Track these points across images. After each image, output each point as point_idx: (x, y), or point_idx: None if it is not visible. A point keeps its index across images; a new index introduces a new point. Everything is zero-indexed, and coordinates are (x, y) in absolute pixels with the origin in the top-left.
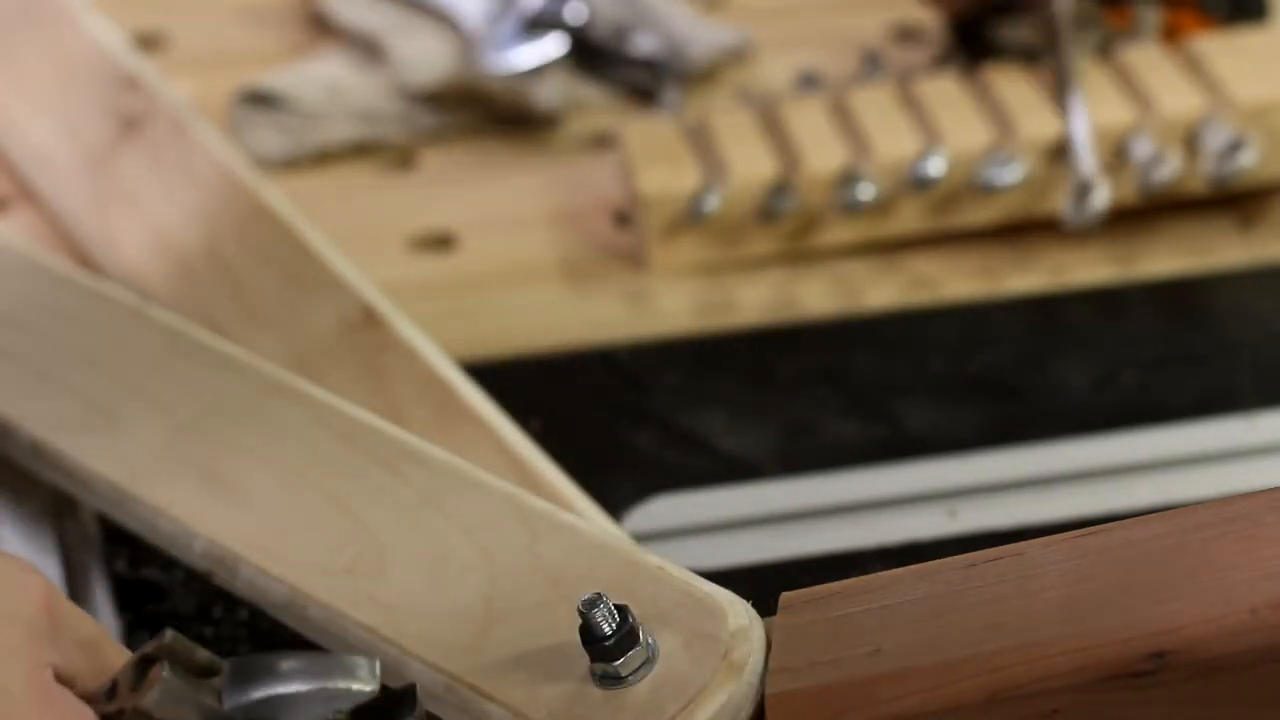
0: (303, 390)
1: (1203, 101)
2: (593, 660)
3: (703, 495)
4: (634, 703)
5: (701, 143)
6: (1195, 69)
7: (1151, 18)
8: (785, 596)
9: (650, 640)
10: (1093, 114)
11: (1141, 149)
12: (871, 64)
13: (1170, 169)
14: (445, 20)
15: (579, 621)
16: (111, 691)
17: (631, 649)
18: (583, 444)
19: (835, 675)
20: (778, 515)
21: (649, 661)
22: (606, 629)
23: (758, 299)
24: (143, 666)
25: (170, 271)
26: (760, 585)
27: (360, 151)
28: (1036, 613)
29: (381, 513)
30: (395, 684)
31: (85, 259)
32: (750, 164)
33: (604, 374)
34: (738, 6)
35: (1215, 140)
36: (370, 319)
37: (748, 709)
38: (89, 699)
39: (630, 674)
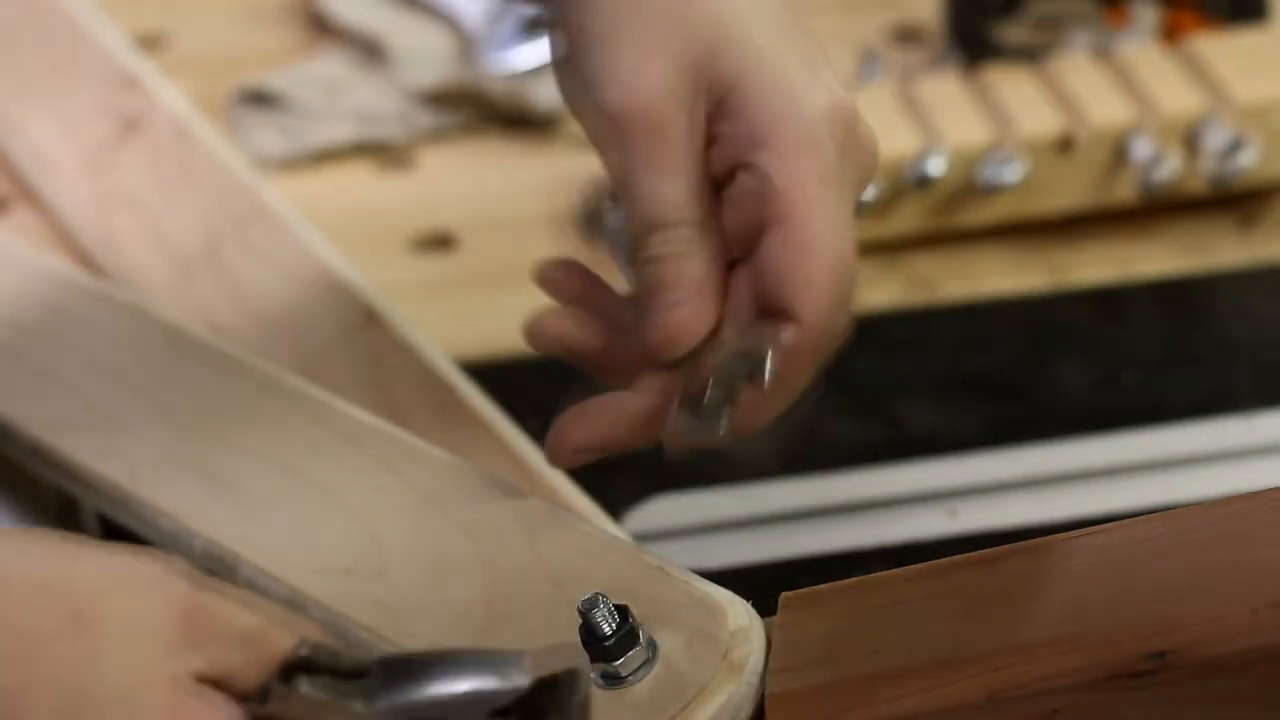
0: (303, 390)
1: (1202, 101)
2: (593, 660)
3: (703, 495)
4: (634, 703)
5: None
6: (1195, 69)
7: (1151, 17)
8: (785, 596)
9: (650, 640)
10: (1093, 114)
11: (1141, 149)
12: (871, 64)
13: (1170, 169)
14: (445, 20)
15: (579, 622)
16: (265, 695)
17: (631, 649)
18: None
19: (835, 675)
20: (778, 515)
21: (649, 661)
22: (606, 629)
23: None
24: (288, 673)
25: (170, 271)
26: (760, 585)
27: (360, 151)
28: (1036, 613)
29: (381, 513)
30: (556, 668)
31: (85, 259)
32: None
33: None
34: None
35: (1215, 140)
36: (370, 319)
37: (748, 709)
38: (249, 694)
39: (630, 674)
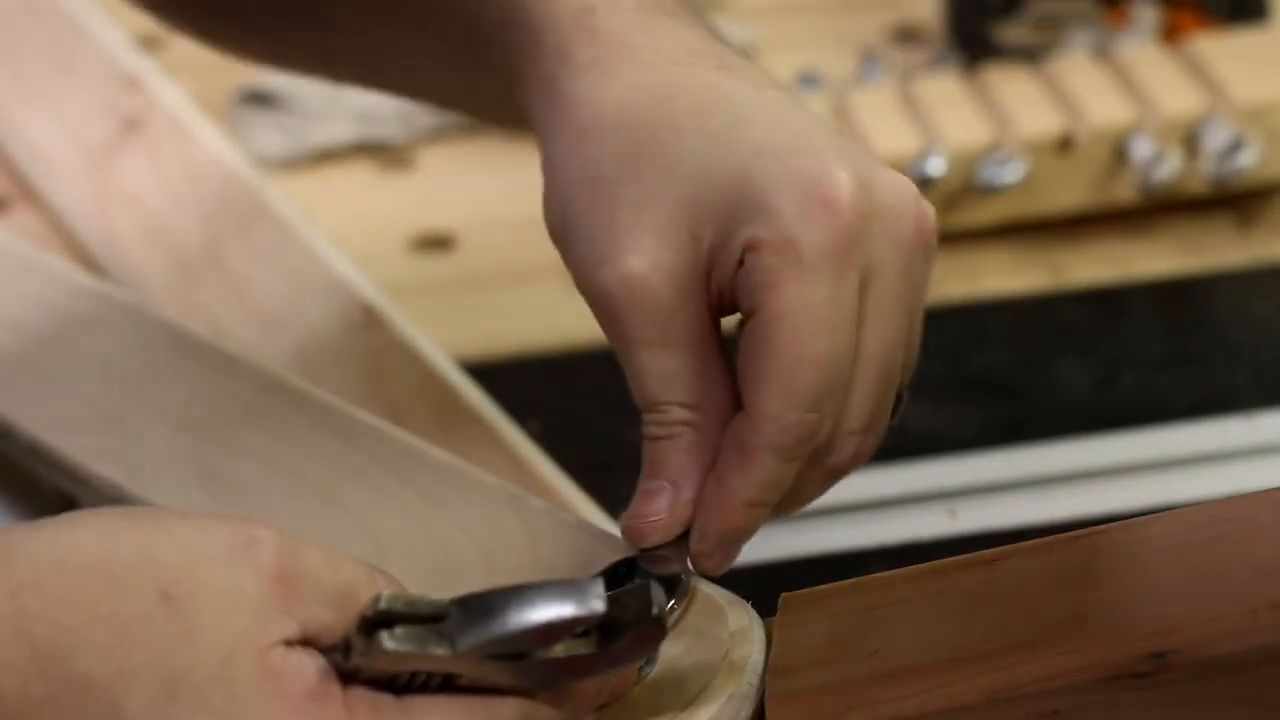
0: (303, 390)
1: (1202, 101)
2: None
3: None
4: (634, 702)
5: None
6: (1195, 69)
7: (1151, 17)
8: (785, 597)
9: None
10: (1093, 114)
11: (1141, 149)
12: (871, 64)
13: (1170, 169)
14: None
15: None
16: (347, 650)
17: None
18: (583, 444)
19: (835, 675)
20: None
21: (649, 661)
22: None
23: None
24: (368, 628)
25: (170, 271)
26: (760, 585)
27: (360, 151)
28: (1036, 613)
29: (381, 513)
30: (630, 593)
31: (85, 259)
32: None
33: (604, 374)
34: (738, 6)
35: (1215, 140)
36: (370, 319)
37: (748, 709)
38: (338, 648)
39: None
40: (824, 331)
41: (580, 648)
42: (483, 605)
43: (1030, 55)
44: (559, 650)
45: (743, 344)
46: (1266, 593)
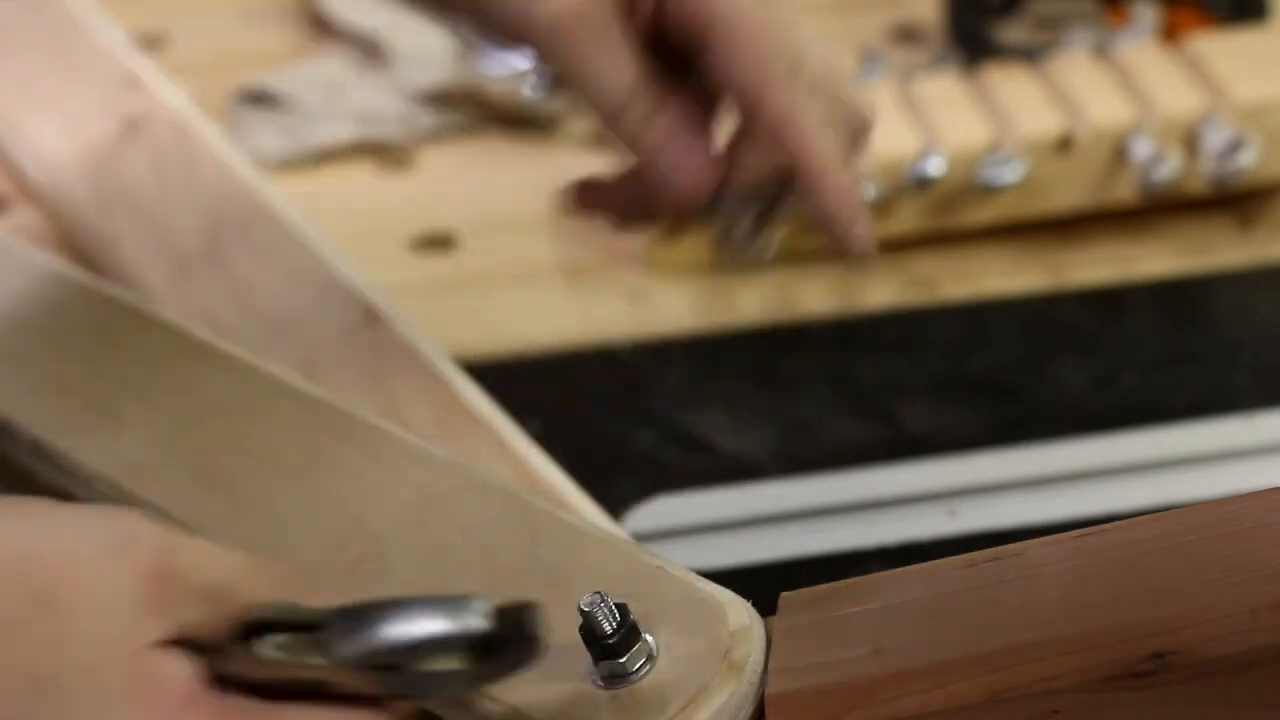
0: (303, 390)
1: (1202, 101)
2: (593, 660)
3: (703, 495)
4: (634, 702)
5: None
6: (1195, 68)
7: (1151, 17)
8: (785, 596)
9: (650, 640)
10: (1093, 114)
11: (1141, 149)
12: (871, 64)
13: (1170, 169)
14: None
15: (579, 621)
16: (224, 652)
17: (632, 648)
18: (583, 444)
19: (835, 675)
20: (778, 515)
21: (649, 661)
22: (607, 628)
23: (757, 299)
24: (246, 634)
25: (170, 271)
26: (760, 585)
27: (360, 151)
28: (1036, 613)
29: (381, 513)
30: (510, 611)
31: (85, 259)
32: None
33: (604, 374)
34: None
35: (1215, 140)
36: (371, 319)
37: (748, 709)
38: (215, 648)
39: (631, 673)
40: (762, 9)
41: (455, 663)
42: (362, 616)
43: (1030, 55)
44: (435, 664)
45: (709, 62)
46: (1266, 593)
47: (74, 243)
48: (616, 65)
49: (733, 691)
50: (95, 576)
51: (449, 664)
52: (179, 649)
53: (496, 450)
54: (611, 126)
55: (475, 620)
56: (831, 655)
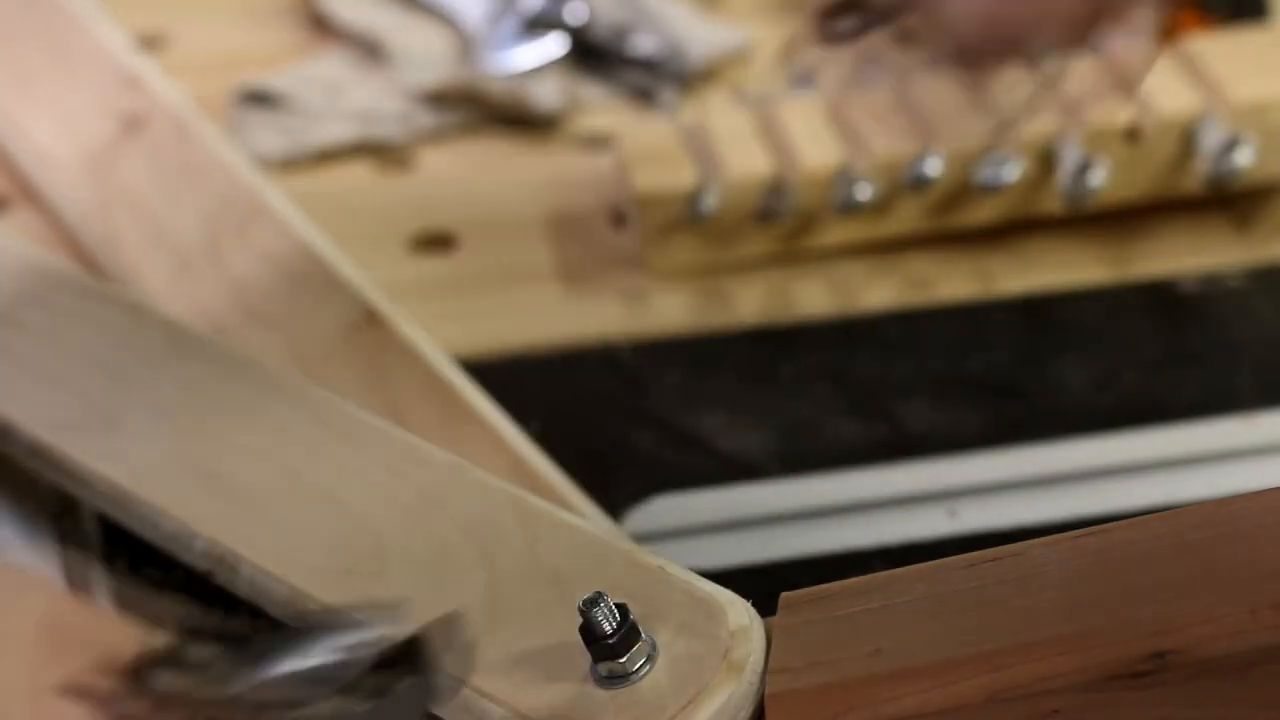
0: (303, 390)
1: (1199, 101)
2: (593, 660)
3: (703, 495)
4: (634, 702)
5: (698, 143)
6: (1192, 68)
7: (1149, 17)
8: (785, 596)
9: (650, 639)
10: (1090, 114)
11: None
12: (871, 64)
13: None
14: (445, 20)
15: (579, 621)
16: (123, 692)
17: (632, 648)
18: (583, 444)
19: (835, 675)
20: (778, 515)
21: (649, 661)
22: (607, 628)
23: (756, 299)
24: (140, 670)
25: (170, 271)
26: (760, 585)
27: (360, 151)
28: (1036, 613)
29: (381, 513)
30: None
31: (85, 259)
32: (747, 164)
33: (604, 374)
34: (738, 6)
35: (1212, 139)
36: (370, 319)
37: (748, 709)
38: (110, 700)
39: (631, 673)
40: None
41: (351, 703)
42: (257, 649)
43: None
44: (329, 705)
45: None
46: (1266, 593)
47: (74, 243)
48: None
49: (733, 691)
50: None
51: (344, 705)
52: (77, 697)
53: (496, 450)
54: None
55: (364, 650)
56: (831, 655)
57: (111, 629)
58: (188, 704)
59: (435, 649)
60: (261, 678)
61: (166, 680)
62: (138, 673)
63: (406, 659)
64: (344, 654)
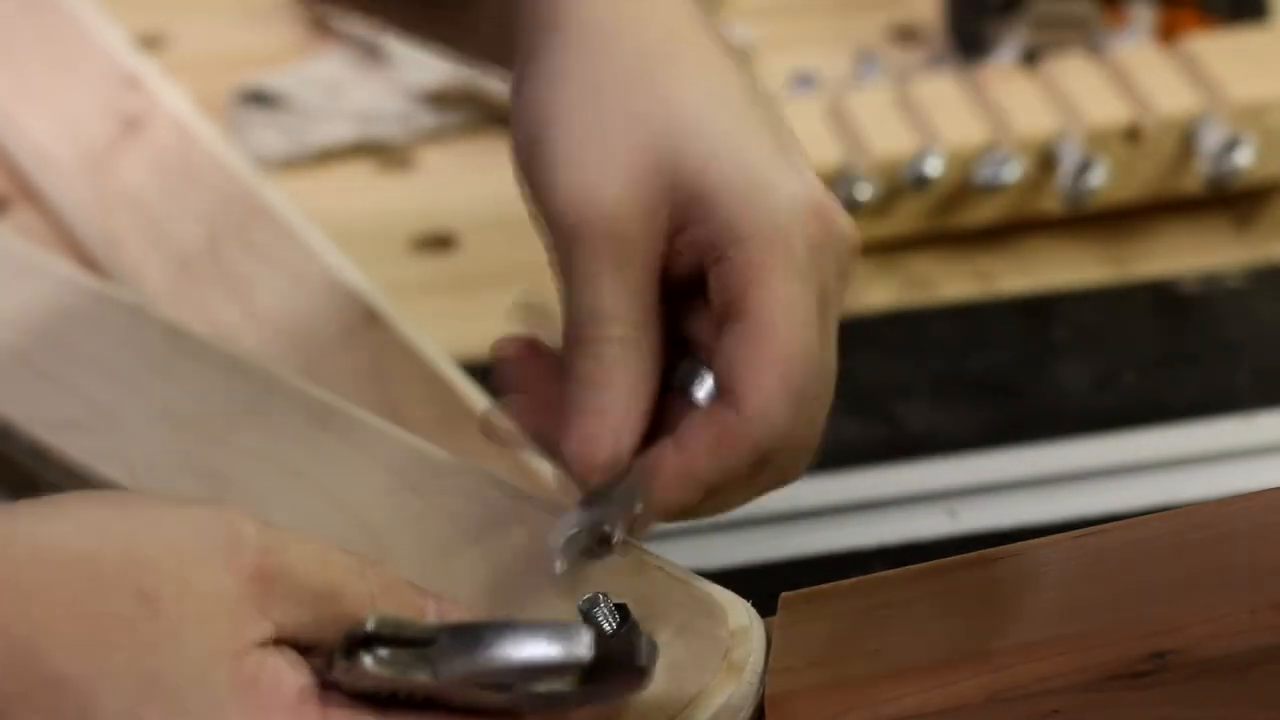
0: (303, 390)
1: (1199, 101)
2: None
3: None
4: (633, 702)
5: None
6: (1191, 68)
7: (1148, 17)
8: (785, 596)
9: (650, 639)
10: (1090, 114)
11: None
12: (869, 64)
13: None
14: None
15: (579, 621)
16: (330, 661)
17: None
18: None
19: (835, 675)
20: (778, 515)
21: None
22: (607, 628)
23: None
24: (352, 647)
25: (170, 271)
26: (760, 585)
27: (360, 151)
28: (1036, 613)
29: (381, 513)
30: (621, 639)
31: (85, 259)
32: None
33: None
34: (737, 6)
35: (1211, 140)
36: (370, 319)
37: (748, 709)
38: (318, 653)
39: None
40: (811, 329)
41: (561, 686)
42: (471, 636)
43: (1029, 55)
44: (540, 687)
45: (727, 338)
46: (1266, 593)
47: (74, 243)
48: (613, 294)
49: (732, 692)
50: (197, 574)
51: (554, 686)
52: (287, 650)
53: (496, 450)
54: (571, 337)
55: (582, 650)
56: (831, 655)
57: (323, 578)
58: (399, 684)
59: (645, 650)
60: (476, 666)
61: (380, 659)
62: (348, 648)
63: (619, 657)
64: (559, 650)
